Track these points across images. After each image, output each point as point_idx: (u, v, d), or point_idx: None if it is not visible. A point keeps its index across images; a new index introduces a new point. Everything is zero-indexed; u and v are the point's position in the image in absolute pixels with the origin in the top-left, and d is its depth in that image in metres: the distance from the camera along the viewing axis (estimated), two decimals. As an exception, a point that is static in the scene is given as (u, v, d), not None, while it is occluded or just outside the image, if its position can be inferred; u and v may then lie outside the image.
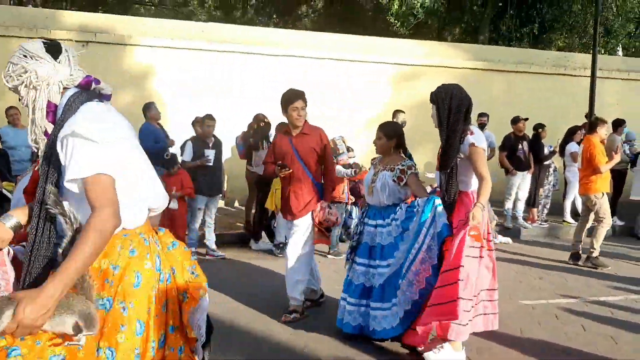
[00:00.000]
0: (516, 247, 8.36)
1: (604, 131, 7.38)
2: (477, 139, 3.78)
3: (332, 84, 11.27)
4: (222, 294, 5.45)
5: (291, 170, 4.79)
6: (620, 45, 19.68)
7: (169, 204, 6.57)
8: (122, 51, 10.41)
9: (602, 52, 17.06)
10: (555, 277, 6.57)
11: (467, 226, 3.59)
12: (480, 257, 3.73)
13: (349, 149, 8.16)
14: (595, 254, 7.11)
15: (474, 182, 3.85)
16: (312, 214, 4.82)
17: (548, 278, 6.49)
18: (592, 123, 7.57)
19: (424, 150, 11.08)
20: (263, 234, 7.89)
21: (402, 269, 3.86)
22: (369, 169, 4.84)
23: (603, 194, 7.10)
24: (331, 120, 10.06)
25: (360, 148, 9.45)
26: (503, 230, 9.14)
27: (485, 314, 3.87)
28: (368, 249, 4.18)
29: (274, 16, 23.84)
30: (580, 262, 7.19)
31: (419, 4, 15.75)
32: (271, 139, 8.03)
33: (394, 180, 4.15)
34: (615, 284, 6.28)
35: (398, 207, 4.08)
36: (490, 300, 3.91)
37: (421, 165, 10.98)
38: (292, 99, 4.79)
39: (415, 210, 3.93)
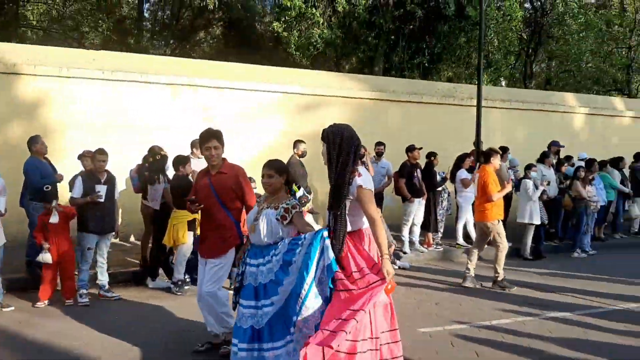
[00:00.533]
0: (414, 272, 8.62)
1: (497, 161, 7.90)
2: (365, 180, 3.83)
3: (231, 113, 11.18)
4: (120, 340, 5.14)
5: (202, 206, 4.80)
6: (503, 77, 21.19)
7: (49, 217, 6.28)
8: (9, 80, 9.73)
9: (487, 83, 18.25)
10: (450, 302, 6.83)
11: (384, 283, 3.58)
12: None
13: (250, 179, 8.09)
14: (500, 277, 7.55)
15: (365, 220, 3.88)
16: (233, 251, 4.80)
17: (444, 304, 6.74)
18: (487, 153, 8.05)
19: (325, 180, 11.25)
20: (160, 271, 7.59)
21: (290, 305, 3.77)
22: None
23: (498, 221, 7.57)
24: (230, 151, 9.95)
25: (259, 178, 9.39)
26: (402, 254, 9.40)
27: (394, 358, 3.80)
28: (253, 290, 4.02)
29: (171, 41, 23.46)
30: (491, 285, 7.59)
31: (317, 35, 16.13)
32: (168, 172, 7.81)
33: (277, 219, 4.08)
34: (504, 306, 6.62)
35: (280, 243, 3.99)
36: (395, 342, 3.84)
37: (323, 194, 11.13)
38: (206, 138, 4.87)
39: (300, 242, 3.85)
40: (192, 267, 7.14)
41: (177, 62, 11.88)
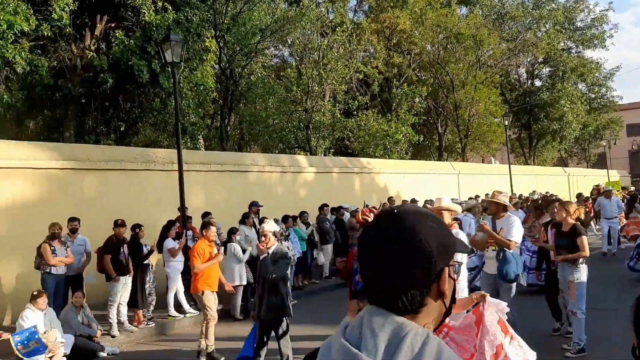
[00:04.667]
0: (126, 356, 8.04)
1: (212, 233, 7.93)
2: None
3: None
4: None
5: None
6: (202, 139, 21.78)
7: None
8: None
9: (185, 146, 18.37)
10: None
11: None
12: None
13: None
14: (210, 349, 7.43)
15: None
16: None
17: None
18: (203, 224, 8.12)
19: (15, 262, 9.86)
20: None
21: None
22: None
23: (203, 292, 7.58)
24: None
25: None
26: (111, 338, 8.70)
27: None
28: None
29: None
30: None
31: (-2, 97, 14.21)
32: None
33: None
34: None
35: None
36: None
37: (12, 279, 9.72)
38: None
39: None
40: None
41: None
